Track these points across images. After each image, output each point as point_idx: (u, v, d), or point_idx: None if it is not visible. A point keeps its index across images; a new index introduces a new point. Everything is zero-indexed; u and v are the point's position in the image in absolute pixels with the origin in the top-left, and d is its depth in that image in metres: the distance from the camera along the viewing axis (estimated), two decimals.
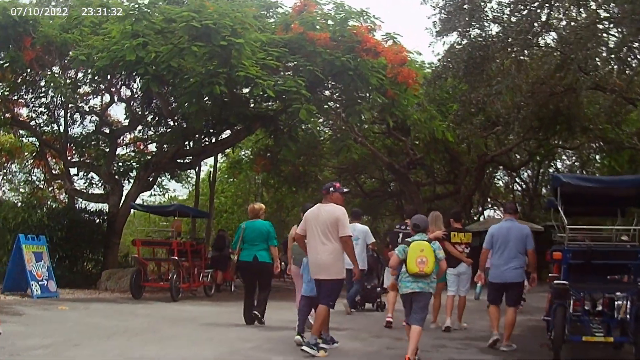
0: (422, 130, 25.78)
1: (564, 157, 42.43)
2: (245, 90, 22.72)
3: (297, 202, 42.05)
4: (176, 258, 19.85)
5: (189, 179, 41.19)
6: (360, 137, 29.04)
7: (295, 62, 22.09)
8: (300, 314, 11.32)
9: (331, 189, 10.76)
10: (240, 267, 14.42)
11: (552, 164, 42.78)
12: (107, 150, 27.77)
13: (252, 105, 24.96)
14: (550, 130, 28.97)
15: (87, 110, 28.14)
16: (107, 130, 28.06)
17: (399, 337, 12.15)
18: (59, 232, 22.58)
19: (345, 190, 11.23)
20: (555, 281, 10.85)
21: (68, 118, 28.04)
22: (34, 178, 34.46)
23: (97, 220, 25.61)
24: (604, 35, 18.51)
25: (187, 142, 27.50)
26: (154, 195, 37.01)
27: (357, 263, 11.03)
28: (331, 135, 34.62)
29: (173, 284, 19.13)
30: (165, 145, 27.22)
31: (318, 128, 33.72)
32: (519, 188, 47.73)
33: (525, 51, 19.68)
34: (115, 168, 28.31)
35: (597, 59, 18.20)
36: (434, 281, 10.09)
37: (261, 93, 20.49)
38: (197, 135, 27.60)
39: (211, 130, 27.71)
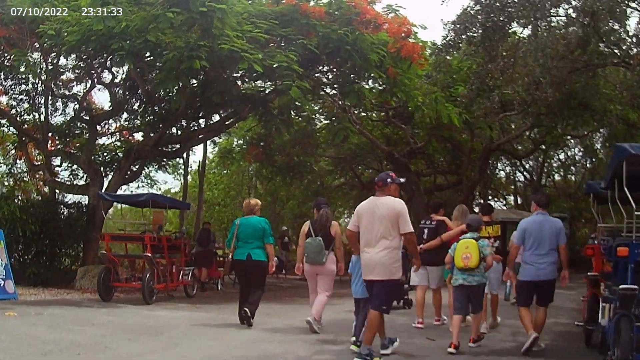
0: (426, 113, 22.61)
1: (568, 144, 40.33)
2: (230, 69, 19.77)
3: (291, 195, 39.66)
4: (149, 255, 16.88)
5: (180, 170, 38.22)
6: (358, 124, 27.10)
7: (286, 36, 19.05)
8: (356, 315, 10.36)
9: (388, 179, 9.56)
10: (234, 265, 12.95)
11: (556, 153, 40.15)
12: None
13: (239, 84, 22.41)
14: (560, 117, 26.25)
15: (67, 95, 25.72)
16: (87, 117, 25.45)
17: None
18: (33, 226, 20.00)
19: (402, 180, 9.96)
20: (622, 285, 8.42)
21: (49, 105, 25.42)
22: (17, 170, 31.38)
23: (76, 213, 22.83)
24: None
25: (171, 128, 25.03)
26: (142, 187, 33.94)
27: (419, 260, 10.41)
28: (327, 124, 31.84)
29: (145, 285, 16.21)
30: (149, 133, 24.78)
31: (313, 116, 31.02)
32: (522, 179, 45.44)
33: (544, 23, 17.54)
34: (99, 158, 26.30)
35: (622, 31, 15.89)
36: (478, 274, 10.50)
37: (246, 68, 17.61)
38: (181, 120, 25.16)
39: (196, 114, 25.18)
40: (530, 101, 20.86)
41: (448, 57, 21.44)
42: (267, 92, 22.92)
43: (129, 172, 25.04)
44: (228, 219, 42.53)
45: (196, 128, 26.18)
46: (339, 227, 12.18)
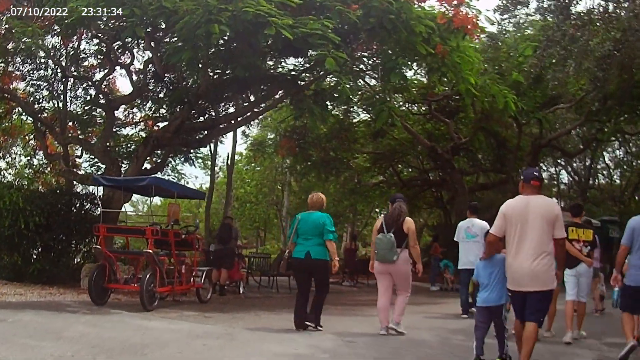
0: (479, 98, 18.78)
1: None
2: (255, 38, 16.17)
3: (327, 193, 36.32)
4: (150, 251, 13.46)
5: (208, 162, 35.11)
6: (399, 117, 23.47)
7: (322, 2, 15.61)
8: (478, 330, 8.77)
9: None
10: (291, 264, 11.70)
11: (604, 154, 37.00)
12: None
13: (267, 59, 19.14)
14: (619, 108, 23.86)
15: (87, 80, 23.30)
16: (103, 101, 22.57)
17: None
18: (37, 218, 16.99)
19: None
20: None
21: (68, 92, 23.21)
22: (36, 160, 29.38)
23: (88, 205, 19.51)
24: None
25: (193, 112, 21.68)
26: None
27: (562, 272, 8.99)
28: (366, 120, 30.04)
29: (145, 288, 12.86)
30: (171, 119, 21.60)
31: (350, 108, 28.11)
32: (565, 180, 42.09)
33: None
34: (117, 148, 24.87)
35: None
36: None
37: (274, 34, 13.99)
38: (204, 103, 21.84)
39: (219, 96, 21.85)
40: (592, 89, 18.89)
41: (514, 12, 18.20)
42: (298, 70, 19.98)
43: (150, 163, 23.02)
44: (259, 216, 39.75)
45: (222, 113, 23.07)
46: (413, 224, 10.98)
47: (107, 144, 22.08)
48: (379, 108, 18.15)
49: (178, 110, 21.21)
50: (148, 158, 25.30)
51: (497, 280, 8.53)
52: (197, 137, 22.79)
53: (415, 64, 18.96)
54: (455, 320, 13.46)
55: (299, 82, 19.40)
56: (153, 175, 17.22)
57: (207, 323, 11.63)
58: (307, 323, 10.94)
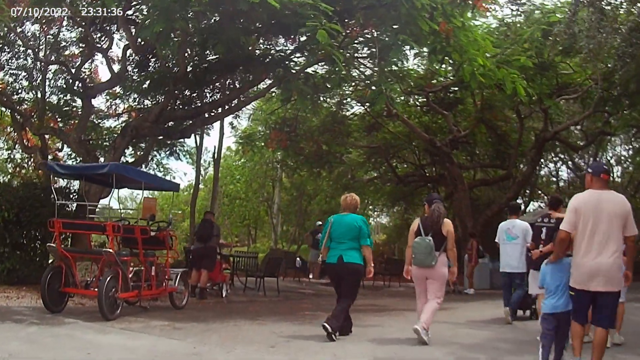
0: (485, 82, 16.55)
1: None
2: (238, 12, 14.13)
3: (319, 189, 34.35)
4: (110, 250, 11.34)
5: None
6: (394, 108, 22.42)
7: None
8: (544, 337, 7.95)
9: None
10: (326, 270, 10.87)
11: (608, 147, 35.28)
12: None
13: (253, 37, 16.94)
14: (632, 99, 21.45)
15: (61, 63, 21.73)
16: (81, 89, 20.93)
17: None
18: (6, 213, 15.14)
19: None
20: None
21: (47, 80, 22.12)
22: (19, 155, 27.76)
23: (62, 200, 17.09)
24: None
25: (174, 99, 19.85)
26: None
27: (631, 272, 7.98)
28: (361, 113, 28.65)
29: (104, 293, 10.73)
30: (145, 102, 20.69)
31: (344, 101, 26.27)
32: (565, 177, 40.10)
33: None
34: (99, 140, 23.99)
35: None
36: None
37: (258, 2, 11.87)
38: (184, 88, 19.84)
39: (201, 79, 19.52)
40: (620, 66, 16.72)
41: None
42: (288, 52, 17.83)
43: (135, 157, 21.95)
44: (249, 214, 37.68)
45: (206, 101, 20.92)
46: (452, 226, 10.21)
47: (84, 134, 20.53)
48: (376, 91, 15.97)
49: (160, 97, 19.55)
50: (132, 151, 23.58)
51: (565, 286, 7.88)
52: (180, 127, 20.93)
53: (416, 44, 16.77)
54: (468, 331, 11.65)
55: (288, 63, 17.33)
56: (114, 162, 14.92)
57: (174, 337, 9.49)
58: (325, 326, 9.88)
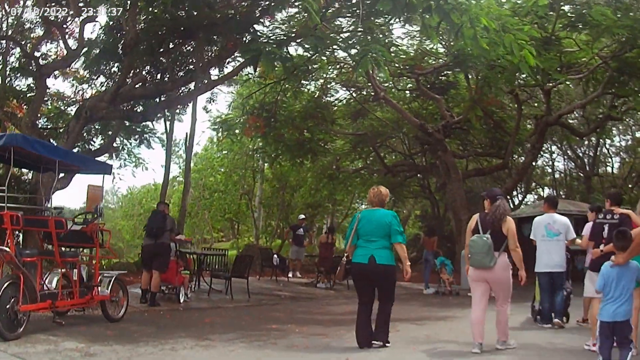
0: (489, 49, 13.69)
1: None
2: None
3: (303, 180, 31.61)
4: (7, 249, 8.38)
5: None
6: (382, 90, 21.21)
7: None
8: (604, 348, 7.33)
9: None
10: (352, 270, 9.26)
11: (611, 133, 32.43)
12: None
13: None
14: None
15: (17, 42, 19.88)
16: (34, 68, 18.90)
17: None
18: None
19: None
20: None
21: (7, 63, 20.44)
22: None
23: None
24: None
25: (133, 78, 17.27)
26: (125, 166, 26.10)
27: None
28: (346, 98, 26.51)
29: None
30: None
31: (328, 85, 24.26)
32: (561, 167, 37.23)
33: None
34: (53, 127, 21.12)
35: None
36: None
37: None
38: (139, 63, 17.07)
39: (160, 49, 16.71)
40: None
41: None
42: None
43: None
44: (229, 207, 34.88)
45: (167, 78, 18.11)
46: (514, 224, 8.94)
47: (36, 117, 18.30)
48: (360, 53, 13.15)
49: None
50: (103, 139, 21.76)
51: (630, 292, 7.32)
52: (143, 110, 18.32)
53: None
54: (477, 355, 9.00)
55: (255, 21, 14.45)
56: (13, 133, 12.04)
57: None
58: (374, 342, 8.97)
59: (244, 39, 14.23)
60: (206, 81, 17.57)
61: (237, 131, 25.39)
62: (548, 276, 11.52)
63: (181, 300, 13.61)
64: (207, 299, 14.84)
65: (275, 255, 20.67)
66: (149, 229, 13.53)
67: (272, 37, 15.55)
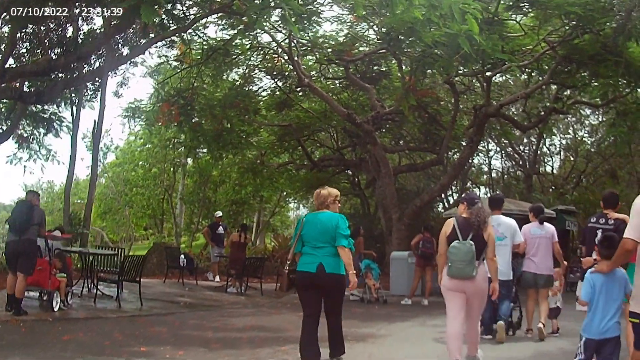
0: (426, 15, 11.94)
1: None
2: None
3: (226, 176, 29.60)
4: None
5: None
6: (307, 77, 19.62)
7: None
8: None
9: None
10: (298, 280, 8.15)
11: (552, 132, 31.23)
12: None
13: None
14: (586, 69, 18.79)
15: None
16: None
17: None
18: None
19: None
20: None
21: None
22: None
23: None
24: None
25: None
26: (31, 159, 23.59)
27: None
28: (270, 88, 24.75)
29: None
30: None
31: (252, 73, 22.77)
32: (499, 166, 36.05)
33: None
34: None
35: None
36: None
37: None
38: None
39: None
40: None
41: None
42: None
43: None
44: (149, 203, 32.69)
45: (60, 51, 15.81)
46: (493, 229, 8.21)
47: None
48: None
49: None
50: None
51: (618, 304, 6.45)
52: (31, 91, 15.96)
53: None
54: None
55: None
56: None
57: None
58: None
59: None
60: (111, 60, 15.39)
61: (150, 120, 23.41)
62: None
63: (55, 309, 11.26)
64: (91, 306, 12.54)
65: (182, 256, 18.41)
66: (11, 223, 11.12)
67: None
